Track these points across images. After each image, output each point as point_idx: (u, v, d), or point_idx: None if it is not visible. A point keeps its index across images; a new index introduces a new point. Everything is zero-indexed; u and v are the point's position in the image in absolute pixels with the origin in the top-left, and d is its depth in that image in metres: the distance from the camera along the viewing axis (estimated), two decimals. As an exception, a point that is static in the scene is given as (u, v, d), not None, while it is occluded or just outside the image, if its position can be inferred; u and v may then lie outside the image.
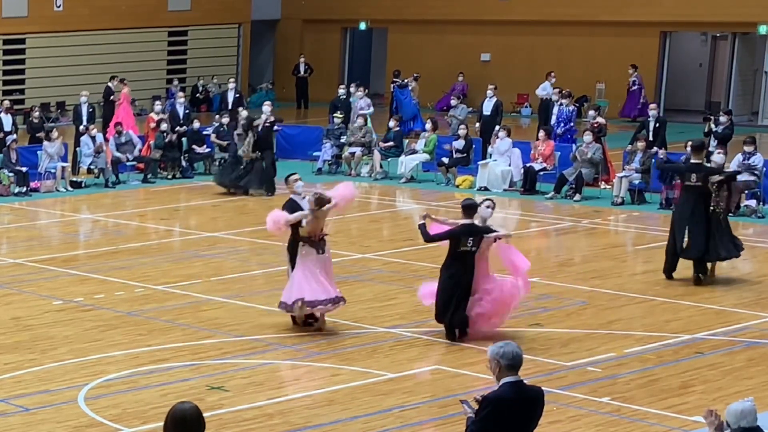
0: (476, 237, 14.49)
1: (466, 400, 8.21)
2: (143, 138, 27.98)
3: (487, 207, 15.00)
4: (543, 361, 13.67)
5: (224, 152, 28.27)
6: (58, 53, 37.48)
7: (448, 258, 14.65)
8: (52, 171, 25.94)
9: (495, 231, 14.79)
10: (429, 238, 14.82)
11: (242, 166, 25.54)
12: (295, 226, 14.99)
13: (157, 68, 39.46)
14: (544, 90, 33.27)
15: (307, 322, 15.12)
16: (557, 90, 30.10)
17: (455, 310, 14.49)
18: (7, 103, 29.07)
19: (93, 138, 26.82)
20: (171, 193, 25.82)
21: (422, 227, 14.74)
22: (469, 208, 14.71)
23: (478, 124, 29.07)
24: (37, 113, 29.15)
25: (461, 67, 38.73)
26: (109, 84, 31.32)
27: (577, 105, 32.83)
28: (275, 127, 27.44)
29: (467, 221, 14.61)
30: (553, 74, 33.47)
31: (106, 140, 27.31)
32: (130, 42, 38.72)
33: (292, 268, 15.10)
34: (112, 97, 30.32)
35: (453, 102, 29.90)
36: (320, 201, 14.83)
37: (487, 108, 28.98)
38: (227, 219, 22.86)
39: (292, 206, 15.31)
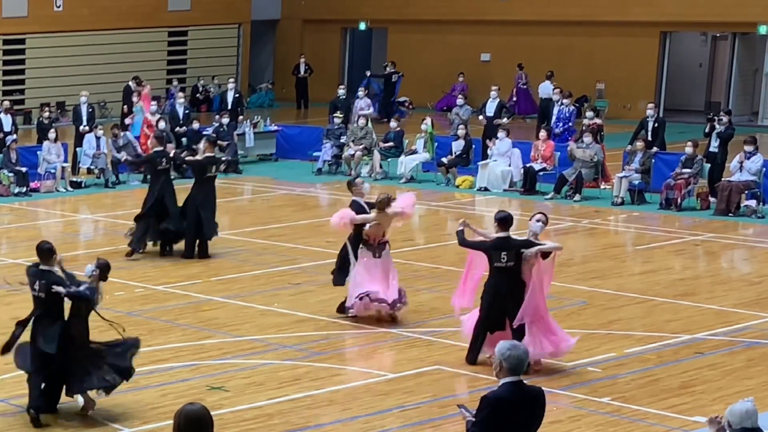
0: (510, 252, 13.24)
1: (463, 404, 8.21)
2: (138, 139, 27.93)
3: (537, 221, 13.60)
4: (543, 362, 13.66)
5: (223, 152, 28.30)
6: (58, 53, 37.49)
7: (489, 276, 13.64)
8: (52, 171, 25.95)
9: (539, 244, 13.35)
10: (463, 243, 13.67)
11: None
12: (359, 227, 15.40)
13: (157, 68, 39.45)
14: (545, 90, 33.40)
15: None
16: (558, 90, 30.11)
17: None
18: (7, 103, 29.09)
19: (98, 139, 26.81)
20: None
21: (460, 233, 13.61)
22: (503, 221, 13.40)
23: (481, 116, 29.23)
24: (47, 113, 29.10)
25: (461, 67, 38.74)
26: (129, 83, 31.36)
27: (577, 105, 32.86)
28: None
29: (502, 234, 13.37)
30: (551, 74, 33.58)
31: (116, 136, 27.17)
32: (130, 42, 38.73)
33: (355, 259, 15.48)
34: (133, 97, 30.37)
35: (459, 101, 29.88)
36: (384, 203, 15.23)
37: (491, 109, 28.98)
38: (227, 219, 22.83)
39: (357, 208, 15.65)
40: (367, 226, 15.33)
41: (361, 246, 15.39)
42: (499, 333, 13.27)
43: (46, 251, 12.16)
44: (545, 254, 13.40)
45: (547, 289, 13.68)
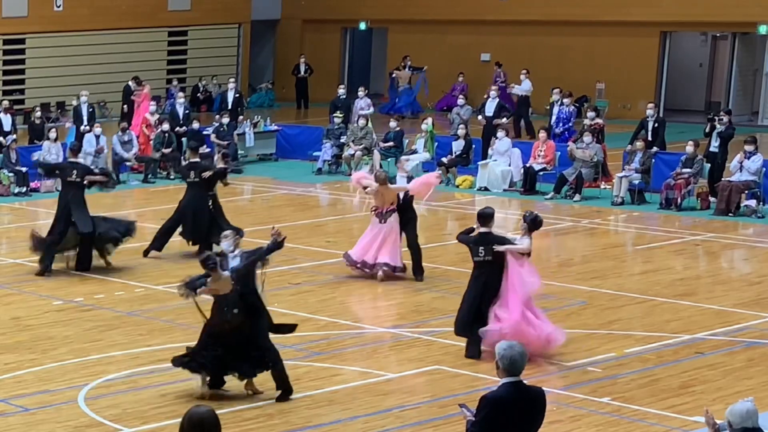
0: (487, 247, 13.77)
1: (464, 404, 8.21)
2: (137, 138, 27.95)
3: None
4: (543, 361, 13.66)
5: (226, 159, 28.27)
6: (58, 53, 37.47)
7: (472, 269, 14.16)
8: (52, 171, 25.92)
9: (512, 243, 13.88)
10: (458, 237, 14.36)
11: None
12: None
13: (157, 68, 39.45)
14: (523, 88, 33.46)
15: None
16: (558, 90, 30.09)
17: (475, 322, 13.87)
18: (6, 103, 29.10)
19: (97, 137, 26.88)
20: (171, 193, 25.78)
21: (467, 230, 14.28)
22: (480, 217, 13.99)
23: (480, 116, 29.22)
24: (39, 113, 29.17)
25: (461, 67, 38.73)
26: (129, 83, 31.40)
27: (577, 105, 32.86)
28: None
29: (483, 230, 13.93)
30: (525, 71, 33.64)
31: (123, 130, 27.24)
32: (130, 42, 38.72)
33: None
34: (132, 97, 30.44)
35: (460, 101, 29.88)
36: (380, 179, 17.67)
37: (490, 109, 28.98)
38: (227, 219, 22.81)
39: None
40: (368, 189, 17.75)
41: (371, 213, 17.82)
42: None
43: None
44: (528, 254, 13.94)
45: (530, 285, 13.85)
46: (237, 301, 12.42)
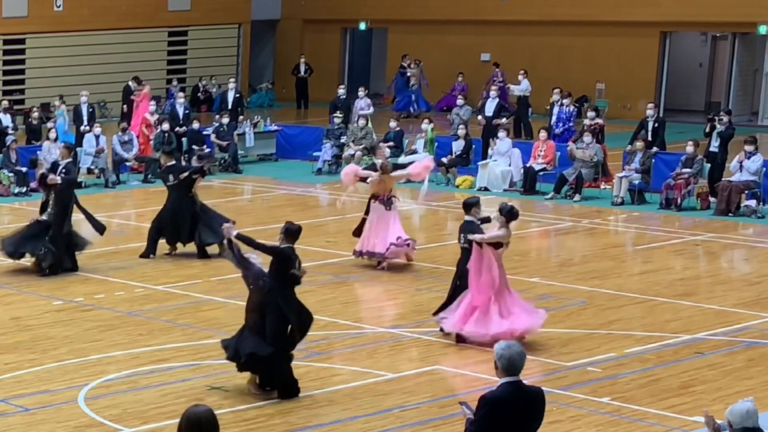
0: (464, 234, 14.57)
1: (465, 402, 8.21)
2: (137, 138, 27.96)
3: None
4: (543, 361, 13.67)
5: (224, 152, 28.32)
6: (58, 53, 37.48)
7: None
8: (52, 171, 25.91)
9: (480, 233, 14.31)
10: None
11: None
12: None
13: (157, 68, 39.45)
14: (521, 88, 33.45)
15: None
16: (558, 90, 30.11)
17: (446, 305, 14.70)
18: (5, 103, 29.06)
19: (97, 137, 26.87)
20: (171, 193, 25.78)
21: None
22: (465, 205, 14.90)
23: (480, 116, 29.23)
24: (36, 114, 29.19)
25: (461, 67, 38.73)
26: (129, 83, 31.39)
27: (577, 105, 32.85)
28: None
29: (467, 218, 14.73)
30: (523, 71, 33.70)
31: (124, 131, 27.31)
32: (130, 42, 38.72)
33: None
34: (132, 96, 30.45)
35: (459, 102, 29.88)
36: (386, 169, 18.20)
37: (489, 109, 28.98)
38: (224, 216, 22.81)
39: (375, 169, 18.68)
40: (369, 180, 18.14)
41: (372, 200, 18.15)
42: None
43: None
44: (497, 245, 14.14)
45: (493, 273, 14.05)
46: (250, 295, 12.79)
